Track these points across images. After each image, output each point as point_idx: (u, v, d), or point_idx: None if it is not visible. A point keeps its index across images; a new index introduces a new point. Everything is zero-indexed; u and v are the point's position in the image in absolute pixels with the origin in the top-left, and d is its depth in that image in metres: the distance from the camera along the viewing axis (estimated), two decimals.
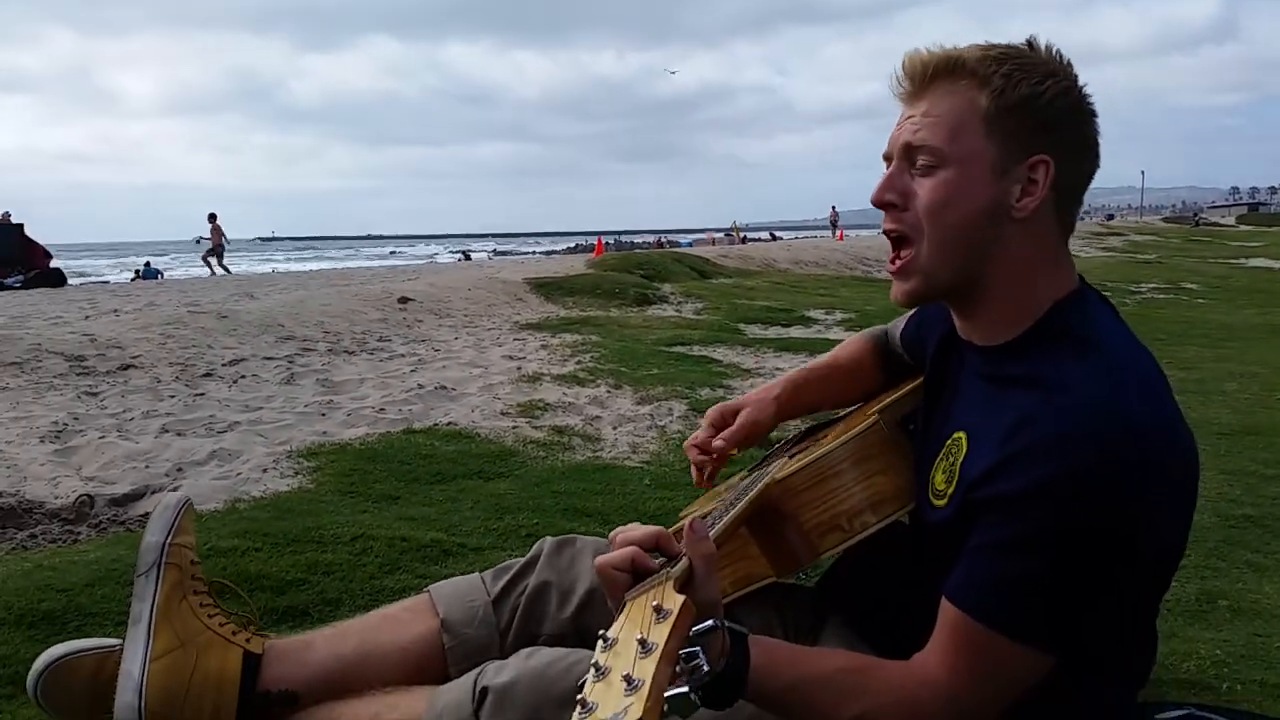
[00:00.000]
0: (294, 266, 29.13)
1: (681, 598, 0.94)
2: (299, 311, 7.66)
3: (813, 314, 9.23)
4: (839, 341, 1.74)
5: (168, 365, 5.61)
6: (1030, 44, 1.16)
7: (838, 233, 33.32)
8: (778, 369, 5.83)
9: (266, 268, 33.01)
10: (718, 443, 1.47)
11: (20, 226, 18.67)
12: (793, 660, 1.11)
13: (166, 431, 4.02)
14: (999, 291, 1.16)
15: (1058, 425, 1.03)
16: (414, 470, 3.33)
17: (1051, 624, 1.05)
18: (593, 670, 0.87)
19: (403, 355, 6.38)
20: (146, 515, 2.66)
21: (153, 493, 3.11)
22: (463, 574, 1.61)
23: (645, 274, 12.24)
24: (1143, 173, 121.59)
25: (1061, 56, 1.15)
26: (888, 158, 1.20)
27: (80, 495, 3.08)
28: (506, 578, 1.52)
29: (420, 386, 5.06)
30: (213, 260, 21.77)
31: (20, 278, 16.76)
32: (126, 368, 5.50)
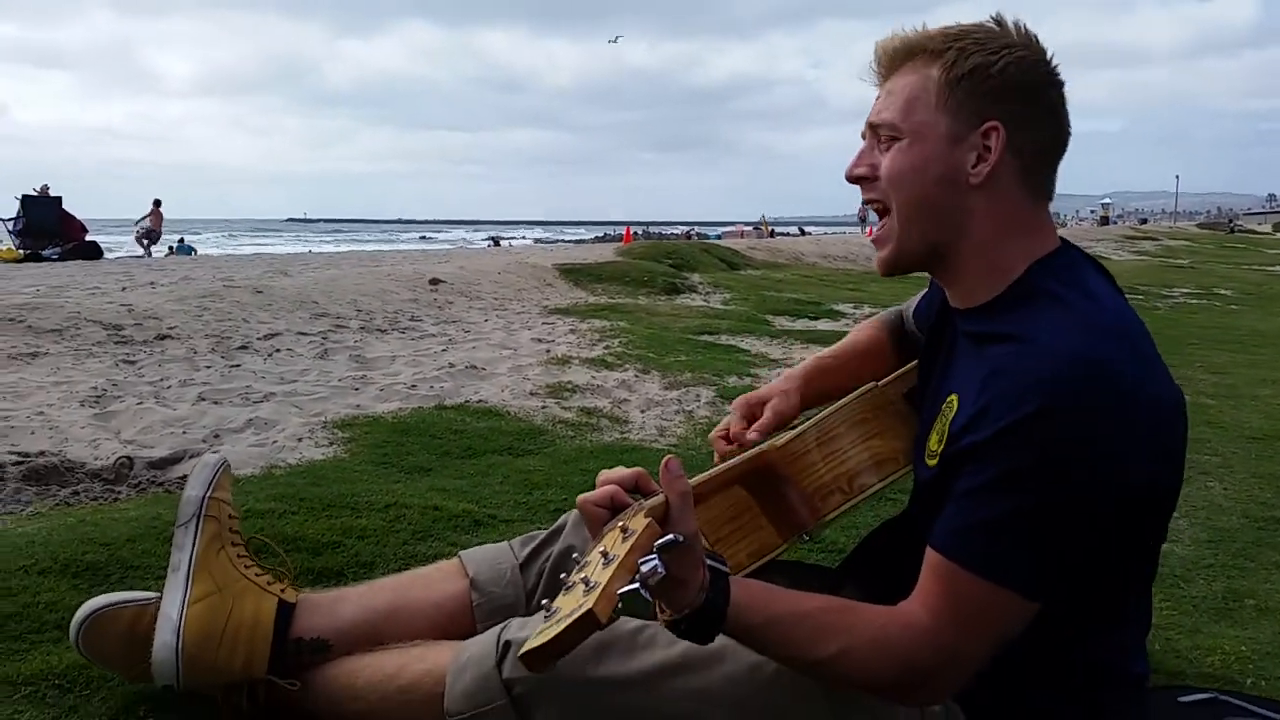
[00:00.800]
0: (326, 248, 29.41)
1: (647, 520, 1.01)
2: (332, 290, 7.74)
3: (840, 307, 9.22)
4: None
5: (204, 337, 5.69)
6: (997, 20, 1.19)
7: (867, 229, 33.18)
8: (804, 359, 5.82)
9: (301, 248, 33.41)
10: (752, 435, 1.46)
11: (59, 200, 18.92)
12: (773, 598, 1.13)
13: (203, 400, 4.10)
14: (969, 256, 1.20)
15: (1026, 372, 1.05)
16: (445, 444, 3.38)
17: (1028, 566, 1.06)
18: (563, 587, 0.96)
19: (433, 335, 6.44)
20: (184, 478, 2.72)
21: (190, 457, 3.17)
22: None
23: (674, 263, 12.25)
24: (1177, 177, 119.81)
25: (1026, 30, 1.18)
26: (864, 136, 1.26)
27: (120, 457, 3.14)
28: (534, 544, 1.57)
29: (451, 365, 5.11)
30: (145, 243, 21.57)
31: (57, 250, 17.00)
32: (163, 338, 5.59)
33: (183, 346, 5.42)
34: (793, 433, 1.35)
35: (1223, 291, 12.73)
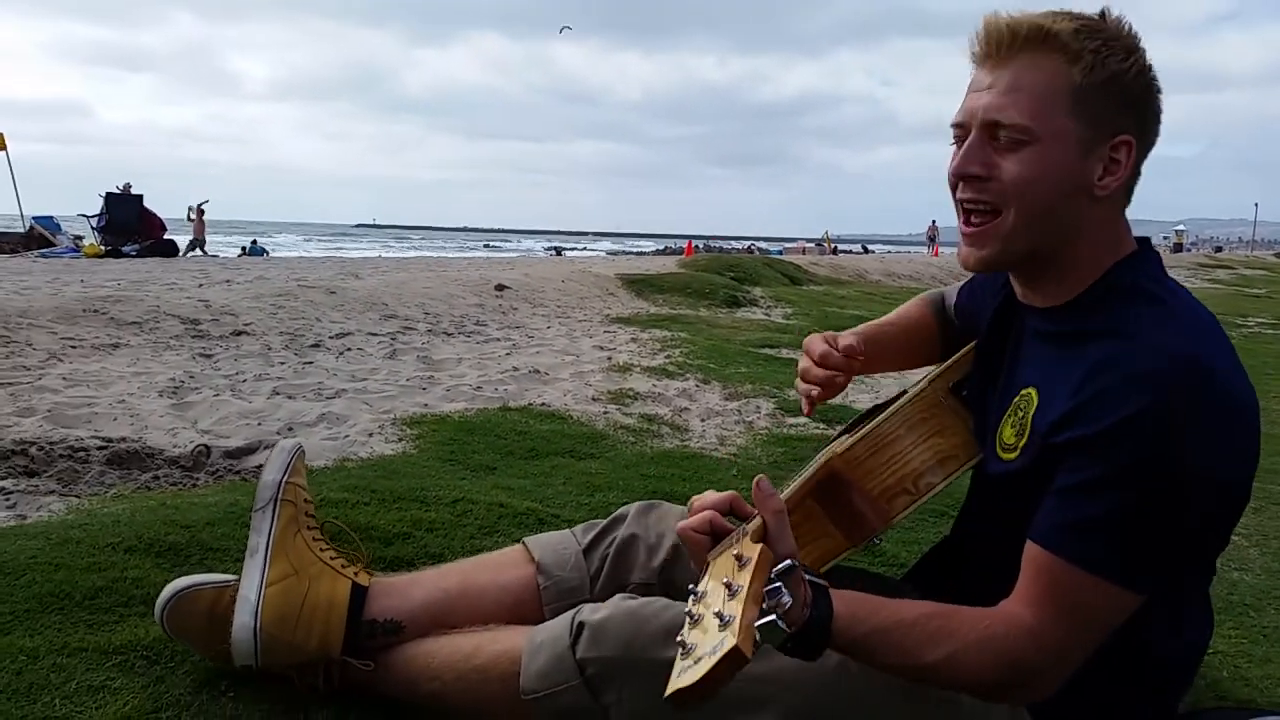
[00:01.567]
0: (395, 254, 30.03)
1: (759, 546, 1.02)
2: (401, 293, 7.90)
3: None
4: None
5: (278, 334, 5.85)
6: (1104, 15, 1.14)
7: (933, 248, 32.78)
8: (866, 376, 5.80)
9: (372, 253, 34.28)
10: (844, 342, 1.42)
11: (140, 197, 19.54)
12: (876, 608, 1.13)
13: (277, 394, 4.22)
14: (1069, 261, 1.19)
15: (1133, 367, 1.05)
16: (509, 445, 3.44)
17: (1137, 561, 1.07)
18: (688, 619, 0.96)
19: (498, 339, 6.53)
20: (260, 467, 2.81)
21: (265, 447, 3.27)
22: None
23: (735, 276, 12.26)
24: (1256, 205, 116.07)
25: (1131, 30, 1.14)
26: (960, 125, 1.19)
27: (198, 445, 3.25)
28: (595, 531, 1.61)
29: (515, 369, 5.19)
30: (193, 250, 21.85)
31: (137, 246, 17.55)
32: (239, 334, 5.76)
33: (257, 342, 5.58)
34: (853, 438, 1.37)
35: None
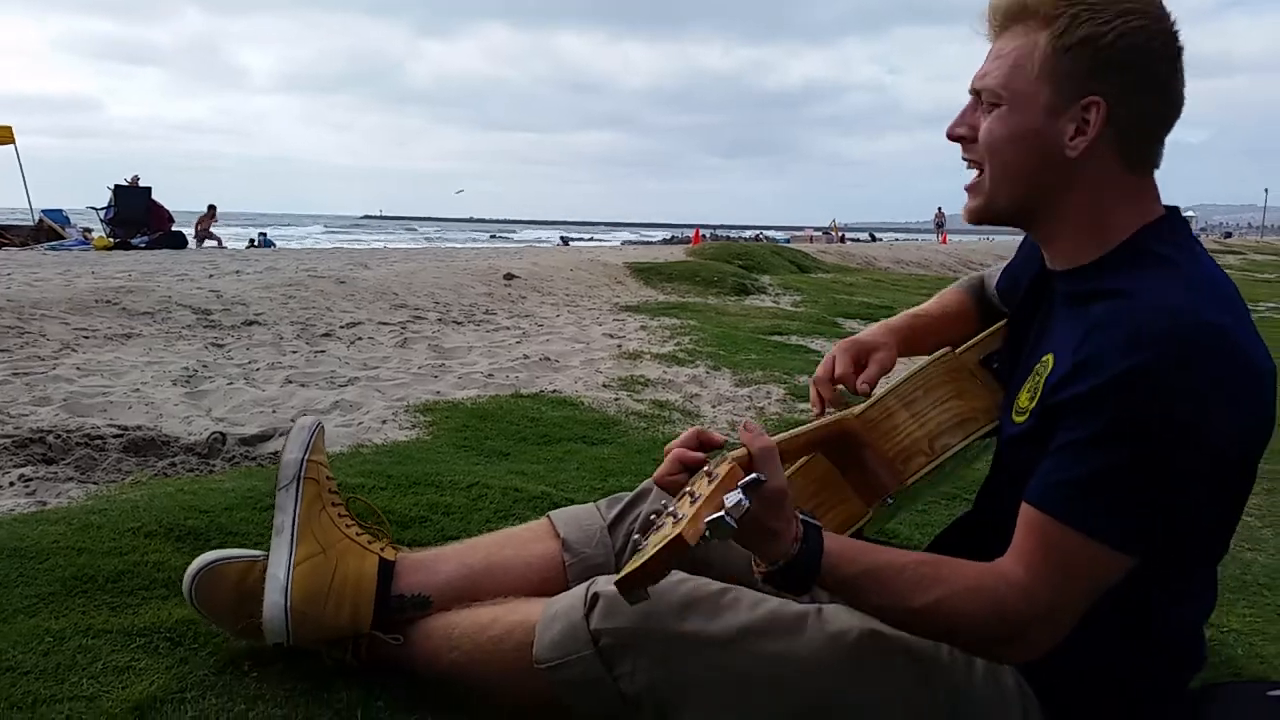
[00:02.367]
0: (402, 245, 30.05)
1: (731, 463, 1.07)
2: (410, 283, 7.92)
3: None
4: None
5: (289, 324, 5.87)
6: None
7: (941, 235, 32.66)
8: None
9: (378, 244, 34.39)
10: (862, 386, 1.44)
11: (148, 190, 19.57)
12: (868, 550, 1.15)
13: (290, 382, 4.24)
14: (1068, 222, 1.20)
15: (1129, 326, 1.05)
16: (522, 431, 3.45)
17: (1125, 521, 1.06)
18: (651, 528, 1.04)
19: (508, 328, 6.55)
20: (276, 454, 2.83)
21: (280, 434, 3.29)
22: None
23: (744, 264, 12.25)
24: (1266, 190, 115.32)
25: None
26: (971, 94, 1.26)
27: (213, 433, 3.27)
28: (620, 505, 1.61)
29: (525, 357, 5.20)
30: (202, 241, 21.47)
31: (146, 238, 17.60)
32: (250, 323, 5.78)
33: (269, 332, 5.60)
34: (870, 400, 1.37)
35: None
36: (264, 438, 3.29)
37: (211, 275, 8.05)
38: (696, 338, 6.14)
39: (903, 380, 1.37)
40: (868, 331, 1.54)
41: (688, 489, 1.09)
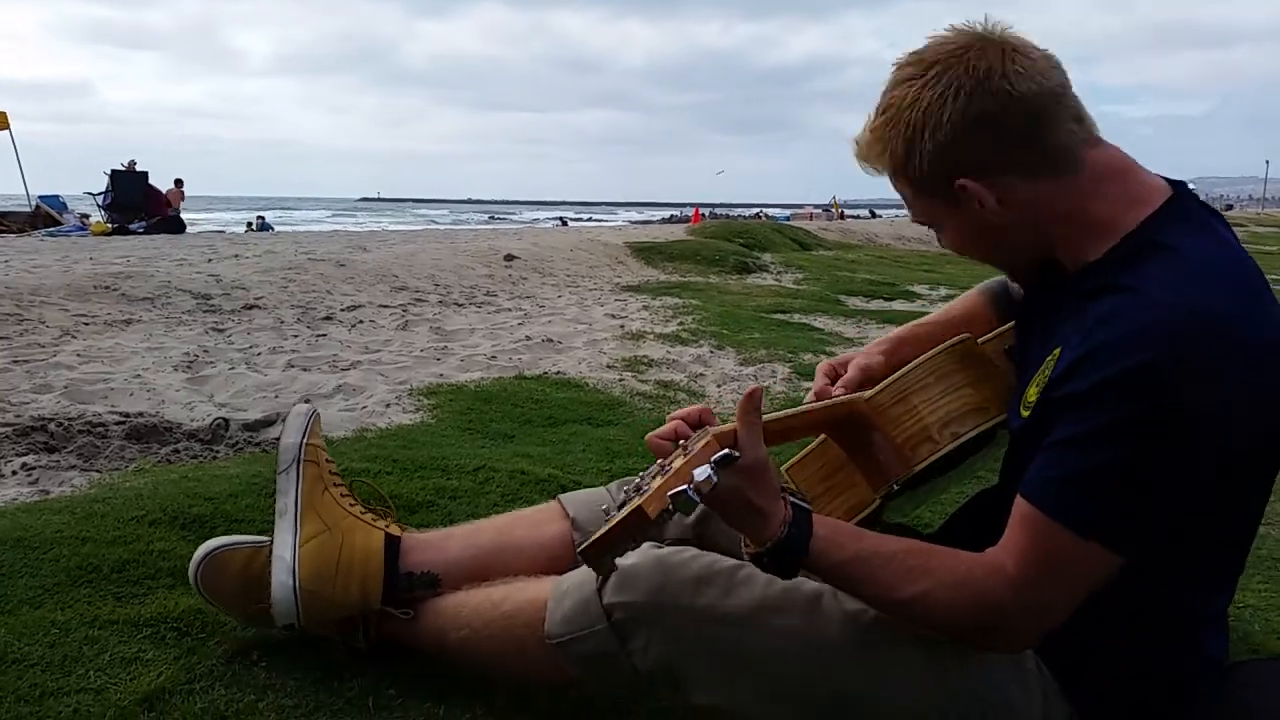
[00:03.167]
0: (401, 227, 29.90)
1: (707, 438, 1.07)
2: (411, 265, 7.89)
3: (916, 289, 9.10)
4: None
5: (290, 308, 5.84)
6: (955, 29, 1.15)
7: None
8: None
9: (376, 225, 34.25)
10: (836, 390, 1.44)
11: (145, 175, 19.51)
12: (857, 536, 1.15)
13: (292, 366, 4.21)
14: (1062, 239, 1.19)
15: (1132, 323, 1.03)
16: (527, 413, 3.43)
17: (1117, 521, 1.05)
18: (623, 499, 1.03)
19: (509, 310, 6.52)
20: (279, 439, 2.81)
21: (284, 419, 3.26)
22: None
23: (745, 243, 12.22)
24: (1267, 162, 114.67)
25: (981, 32, 1.14)
26: None
27: (216, 418, 3.25)
28: (630, 487, 1.59)
29: (528, 338, 5.18)
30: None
31: (144, 223, 17.55)
32: (250, 308, 5.75)
33: (270, 316, 5.57)
34: (880, 386, 1.35)
35: None
36: (267, 423, 3.27)
37: (210, 260, 8.01)
38: (699, 317, 6.11)
39: (915, 365, 1.34)
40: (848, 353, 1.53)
41: (662, 461, 1.08)
